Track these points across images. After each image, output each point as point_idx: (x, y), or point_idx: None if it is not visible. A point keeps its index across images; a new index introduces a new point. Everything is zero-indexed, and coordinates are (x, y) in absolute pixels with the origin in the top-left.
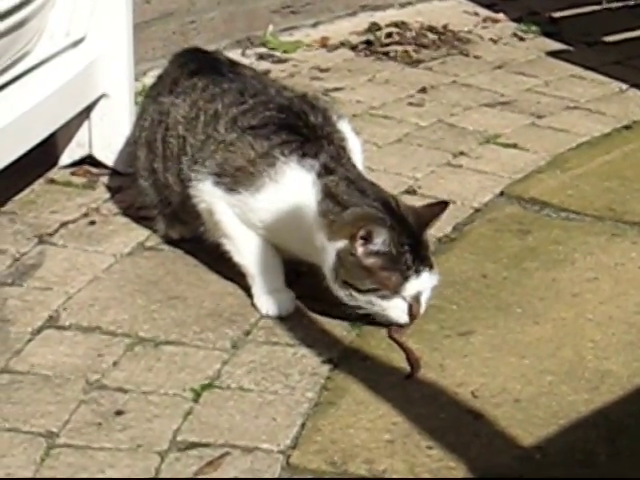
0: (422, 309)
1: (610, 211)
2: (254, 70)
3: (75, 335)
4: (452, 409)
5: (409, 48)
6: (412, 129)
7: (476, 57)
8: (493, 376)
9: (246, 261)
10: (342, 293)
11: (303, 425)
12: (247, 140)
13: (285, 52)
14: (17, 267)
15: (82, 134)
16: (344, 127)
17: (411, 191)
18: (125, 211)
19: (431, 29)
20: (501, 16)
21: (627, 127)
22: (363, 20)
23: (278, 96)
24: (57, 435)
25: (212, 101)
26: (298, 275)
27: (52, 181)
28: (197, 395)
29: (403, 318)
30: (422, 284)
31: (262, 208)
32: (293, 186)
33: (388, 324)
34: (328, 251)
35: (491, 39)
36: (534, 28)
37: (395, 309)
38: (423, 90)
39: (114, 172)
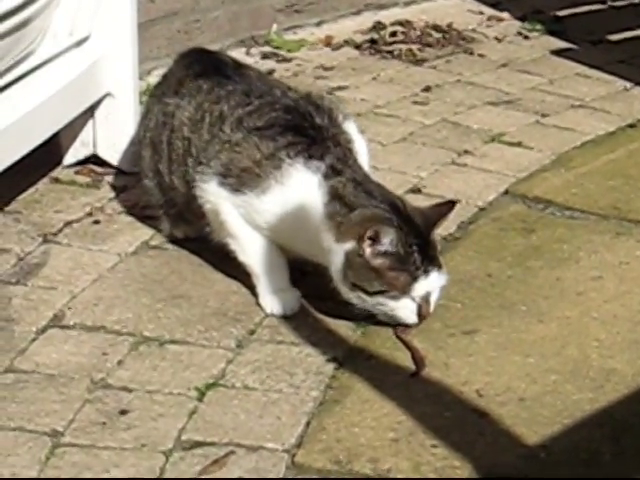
0: (431, 309)
1: (615, 210)
2: (259, 71)
3: (80, 334)
4: (457, 408)
5: (413, 47)
6: (416, 128)
7: (480, 56)
8: (498, 375)
9: (251, 261)
10: (351, 295)
11: (308, 424)
12: (253, 141)
13: (289, 51)
14: (21, 266)
15: (86, 133)
16: (350, 128)
17: (415, 190)
18: (129, 210)
19: (435, 28)
20: (505, 15)
21: (632, 126)
22: (367, 19)
23: (284, 97)
24: (62, 434)
25: (217, 102)
26: (303, 274)
27: (56, 180)
28: (202, 394)
29: (412, 318)
30: (431, 284)
31: (268, 210)
32: (299, 188)
33: (395, 324)
34: (336, 253)
35: (496, 38)
36: (539, 27)
37: (404, 309)
38: (427, 89)
39: (118, 171)
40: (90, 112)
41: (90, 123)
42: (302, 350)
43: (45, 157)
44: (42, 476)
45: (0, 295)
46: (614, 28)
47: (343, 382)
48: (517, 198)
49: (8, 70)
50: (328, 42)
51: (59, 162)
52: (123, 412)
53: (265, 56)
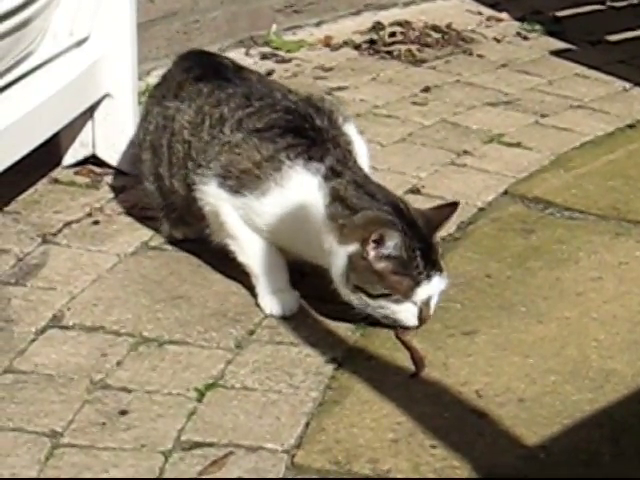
0: (431, 312)
1: (614, 210)
2: (259, 74)
3: (79, 335)
4: (456, 408)
5: (413, 47)
6: (416, 128)
7: (480, 56)
8: (497, 375)
9: (251, 261)
10: (352, 297)
11: (307, 425)
12: (253, 142)
13: (288, 51)
14: (21, 267)
15: (86, 134)
16: (350, 130)
17: (415, 190)
18: (129, 211)
19: (435, 28)
20: (504, 15)
21: (631, 126)
22: (367, 19)
23: (284, 99)
24: (61, 435)
25: (218, 105)
26: (302, 275)
27: (56, 181)
28: (201, 395)
29: (413, 321)
30: (433, 289)
31: (267, 212)
32: (299, 190)
33: (395, 326)
34: (338, 255)
35: (495, 38)
36: (538, 27)
37: (406, 313)
38: (427, 89)
39: (118, 172)
40: (89, 113)
41: (89, 124)
42: (301, 351)
43: (44, 157)
44: (42, 476)
45: None
46: (613, 28)
47: (342, 383)
48: (516, 199)
49: (8, 70)
50: (327, 42)
51: (58, 162)
52: (122, 412)
53: (264, 56)
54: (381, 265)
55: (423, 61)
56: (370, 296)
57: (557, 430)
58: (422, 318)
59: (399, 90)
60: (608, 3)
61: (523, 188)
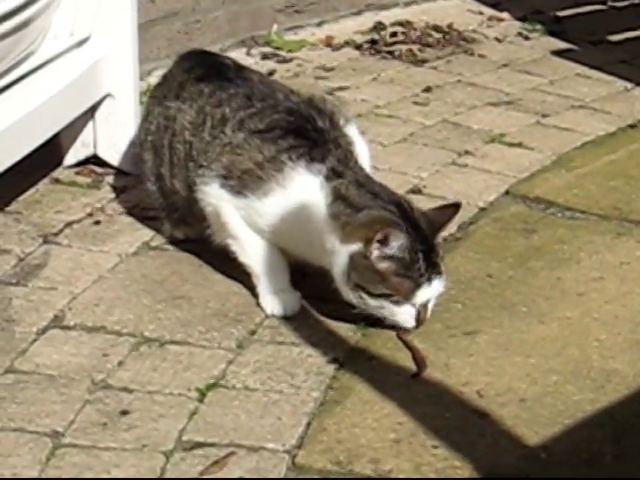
0: (428, 314)
1: (615, 210)
2: (261, 74)
3: (80, 335)
4: (457, 408)
5: (414, 47)
6: (417, 128)
7: (481, 56)
8: (498, 375)
9: (252, 261)
10: (353, 295)
11: (309, 425)
12: (254, 143)
13: (290, 51)
14: (22, 267)
15: (87, 134)
16: (351, 131)
17: (416, 190)
18: (130, 211)
19: (436, 28)
20: (506, 15)
21: (632, 126)
22: (368, 19)
23: (286, 100)
24: (62, 435)
25: (219, 106)
26: (304, 275)
27: (57, 181)
28: (202, 395)
29: (410, 323)
30: (432, 291)
31: (269, 212)
32: (301, 191)
33: (393, 326)
34: (340, 254)
35: (496, 38)
36: (539, 27)
37: (404, 314)
38: (428, 89)
39: (119, 172)
40: (90, 113)
41: (90, 124)
42: (303, 351)
43: (46, 158)
44: (43, 476)
45: (0, 296)
46: (614, 28)
47: (344, 383)
48: (518, 199)
49: (9, 70)
50: (328, 42)
51: (59, 163)
52: (124, 413)
53: (265, 56)
54: (384, 265)
55: (424, 61)
56: (371, 295)
57: (558, 430)
58: (419, 320)
59: (400, 90)
60: (609, 3)
61: (524, 188)
